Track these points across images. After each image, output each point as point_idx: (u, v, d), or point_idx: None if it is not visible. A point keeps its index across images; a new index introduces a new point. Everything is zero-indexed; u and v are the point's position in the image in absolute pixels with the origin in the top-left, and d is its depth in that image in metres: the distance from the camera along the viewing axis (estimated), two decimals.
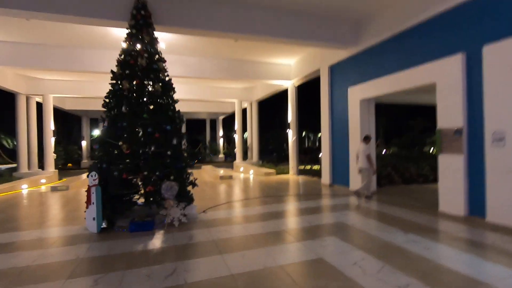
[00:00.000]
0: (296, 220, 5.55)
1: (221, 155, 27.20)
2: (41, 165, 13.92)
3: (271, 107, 24.57)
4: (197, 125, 33.09)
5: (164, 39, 8.99)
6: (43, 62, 9.57)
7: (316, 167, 17.74)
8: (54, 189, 9.72)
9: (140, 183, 5.34)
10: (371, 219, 5.44)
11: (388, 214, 5.68)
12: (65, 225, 5.41)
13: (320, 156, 19.04)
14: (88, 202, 4.97)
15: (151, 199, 5.26)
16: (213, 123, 29.27)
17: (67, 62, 9.67)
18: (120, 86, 5.35)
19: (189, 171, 5.88)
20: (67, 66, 9.70)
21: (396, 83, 6.80)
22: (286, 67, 12.17)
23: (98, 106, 20.09)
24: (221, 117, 27.77)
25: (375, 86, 7.47)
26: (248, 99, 17.10)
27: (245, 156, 19.46)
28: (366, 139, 7.30)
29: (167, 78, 5.83)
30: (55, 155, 14.07)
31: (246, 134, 19.46)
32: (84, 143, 24.14)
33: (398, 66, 6.79)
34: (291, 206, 6.75)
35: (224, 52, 10.68)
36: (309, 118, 17.10)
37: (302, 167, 13.65)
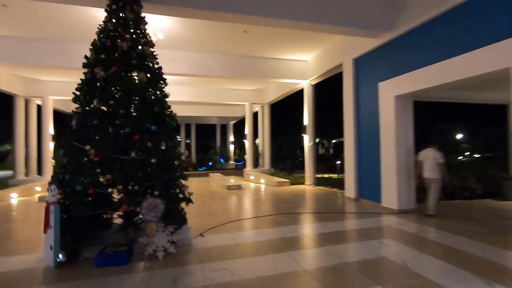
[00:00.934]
0: (320, 252, 4.15)
1: (232, 162, 26.02)
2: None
3: (284, 110, 23.28)
4: (207, 130, 32.19)
5: (163, 30, 7.89)
6: (35, 58, 8.64)
7: (334, 175, 16.30)
8: (42, 199, 8.68)
9: (114, 199, 4.12)
10: (427, 254, 3.93)
11: (449, 247, 4.19)
12: (24, 252, 4.22)
13: (337, 163, 17.60)
14: (46, 225, 3.78)
15: (128, 221, 4.02)
16: (224, 128, 28.20)
17: (58, 56, 8.70)
18: (94, 75, 4.18)
19: (184, 182, 4.65)
20: (58, 61, 8.72)
21: (445, 73, 5.35)
22: (302, 64, 10.86)
23: None
24: (231, 122, 26.65)
25: (414, 79, 6.03)
26: (260, 102, 15.85)
27: (256, 164, 18.16)
28: (434, 144, 6.22)
29: (155, 66, 4.63)
30: (53, 161, 13.19)
31: (257, 140, 18.16)
32: None
33: (448, 51, 5.35)
34: (311, 230, 5.34)
35: (231, 47, 9.50)
36: (322, 123, 15.69)
37: (319, 175, 12.20)
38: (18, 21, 7.35)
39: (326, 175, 16.48)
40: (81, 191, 3.67)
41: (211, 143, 30.98)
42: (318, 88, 11.22)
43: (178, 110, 20.92)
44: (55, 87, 13.00)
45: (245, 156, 16.31)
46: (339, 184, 10.86)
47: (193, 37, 8.55)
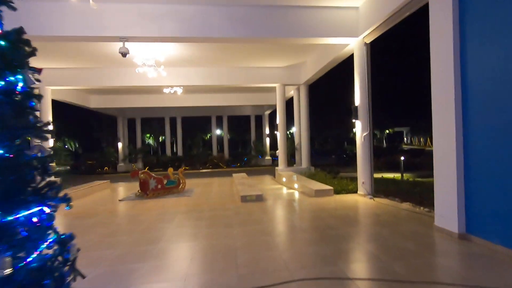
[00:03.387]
0: None
1: (268, 157, 23.00)
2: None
3: (326, 92, 19.31)
4: (241, 122, 29.55)
5: None
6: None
7: (396, 176, 12.23)
8: None
9: None
10: None
11: None
12: None
13: (402, 159, 13.34)
14: None
15: None
16: (259, 119, 25.22)
17: None
18: None
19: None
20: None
21: None
22: (349, 14, 7.23)
23: (132, 102, 17.99)
24: (267, 112, 23.55)
25: None
26: (294, 82, 12.43)
27: (291, 160, 14.84)
28: None
29: None
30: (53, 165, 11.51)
31: (294, 130, 14.75)
32: (120, 146, 22.37)
33: None
34: None
35: None
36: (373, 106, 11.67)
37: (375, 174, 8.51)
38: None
39: (385, 175, 12.53)
40: None
41: (247, 137, 28.31)
42: (375, 49, 7.52)
43: (206, 100, 18.70)
44: (51, 75, 11.22)
45: (276, 152, 13.15)
46: (412, 194, 7.11)
47: None
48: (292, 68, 12.15)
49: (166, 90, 13.68)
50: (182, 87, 13.62)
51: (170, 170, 9.96)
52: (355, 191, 7.75)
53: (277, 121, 12.59)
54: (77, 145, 41.24)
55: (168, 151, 25.28)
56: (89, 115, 27.64)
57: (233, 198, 7.96)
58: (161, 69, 9.49)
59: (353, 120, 7.58)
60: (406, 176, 12.58)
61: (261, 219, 5.58)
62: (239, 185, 8.94)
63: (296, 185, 9.18)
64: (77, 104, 16.07)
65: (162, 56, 9.31)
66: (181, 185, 9.94)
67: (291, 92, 14.34)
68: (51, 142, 11.46)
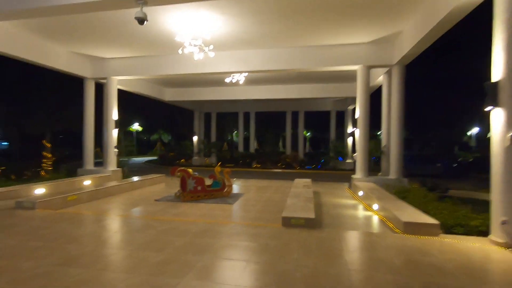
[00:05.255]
0: None
1: (350, 160, 19.58)
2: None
3: (428, 75, 14.67)
4: (320, 119, 26.38)
5: None
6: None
7: None
8: (19, 205, 6.19)
9: None
10: None
11: None
12: None
13: None
14: None
15: None
16: (341, 116, 21.82)
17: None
18: None
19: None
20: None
21: None
22: None
23: (204, 95, 17.58)
24: (350, 107, 20.02)
25: None
26: (383, 62, 9.19)
27: (375, 167, 11.47)
28: None
29: None
30: (116, 150, 11.52)
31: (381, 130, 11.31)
32: (195, 139, 22.62)
33: None
34: None
35: None
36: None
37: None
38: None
39: None
40: None
41: (325, 136, 25.17)
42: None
43: (280, 92, 16.63)
44: (117, 65, 11.15)
45: (354, 155, 10.11)
46: None
47: None
48: (380, 43, 8.96)
49: (227, 80, 12.32)
50: (244, 75, 12.02)
51: (217, 169, 8.36)
52: (484, 232, 4.44)
53: (357, 115, 9.60)
54: (170, 137, 45.64)
55: (241, 147, 24.48)
56: (175, 110, 29.49)
57: (277, 215, 5.73)
58: (207, 49, 7.95)
59: (488, 109, 4.29)
60: None
61: (292, 274, 3.21)
62: (292, 197, 6.61)
63: (376, 206, 6.27)
64: (153, 97, 16.43)
65: (208, 34, 7.76)
66: (226, 188, 8.24)
67: (380, 78, 10.99)
68: (115, 132, 11.49)
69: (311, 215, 4.93)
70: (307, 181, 9.35)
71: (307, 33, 8.38)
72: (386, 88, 10.25)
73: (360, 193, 7.84)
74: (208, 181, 8.20)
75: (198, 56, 8.09)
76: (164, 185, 10.29)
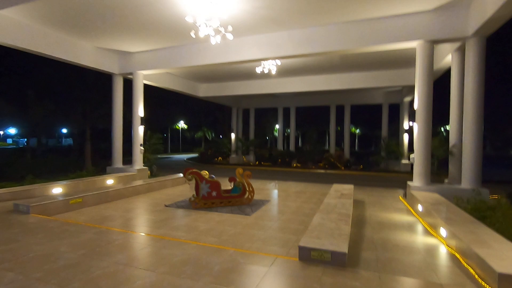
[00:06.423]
0: None
1: (405, 161, 16.89)
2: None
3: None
4: (370, 113, 23.49)
5: None
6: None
7: None
8: (16, 208, 5.70)
9: None
10: None
11: None
12: None
13: None
14: None
15: None
16: (394, 110, 18.98)
17: None
18: None
19: None
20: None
21: None
22: None
23: (239, 90, 16.40)
24: (406, 99, 17.21)
25: None
26: (453, 35, 6.93)
27: (439, 170, 9.09)
28: None
29: None
30: (142, 148, 11.04)
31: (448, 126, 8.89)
32: (233, 136, 21.82)
33: None
34: None
35: None
36: None
37: None
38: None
39: None
40: None
41: (377, 132, 22.30)
42: None
43: (322, 83, 14.70)
44: (143, 59, 10.61)
45: (411, 155, 7.96)
46: None
47: None
48: (449, 9, 6.76)
49: (258, 70, 11.00)
50: (274, 64, 10.59)
51: (239, 170, 7.13)
52: None
53: (415, 106, 7.50)
54: (213, 135, 46.09)
55: (280, 145, 23.00)
56: (215, 107, 29.20)
57: (299, 236, 4.25)
58: (224, 31, 6.72)
59: None
60: None
61: None
62: (322, 212, 5.04)
63: (444, 231, 4.39)
64: (186, 93, 15.91)
65: (225, 13, 6.55)
66: (247, 194, 6.97)
67: (447, 58, 8.64)
68: (141, 129, 11.02)
69: (343, 247, 3.36)
70: (348, 188, 7.58)
71: (348, 3, 6.63)
72: (457, 71, 7.93)
73: (419, 207, 5.91)
74: (228, 185, 7.05)
75: (215, 39, 6.92)
76: (187, 187, 9.43)
